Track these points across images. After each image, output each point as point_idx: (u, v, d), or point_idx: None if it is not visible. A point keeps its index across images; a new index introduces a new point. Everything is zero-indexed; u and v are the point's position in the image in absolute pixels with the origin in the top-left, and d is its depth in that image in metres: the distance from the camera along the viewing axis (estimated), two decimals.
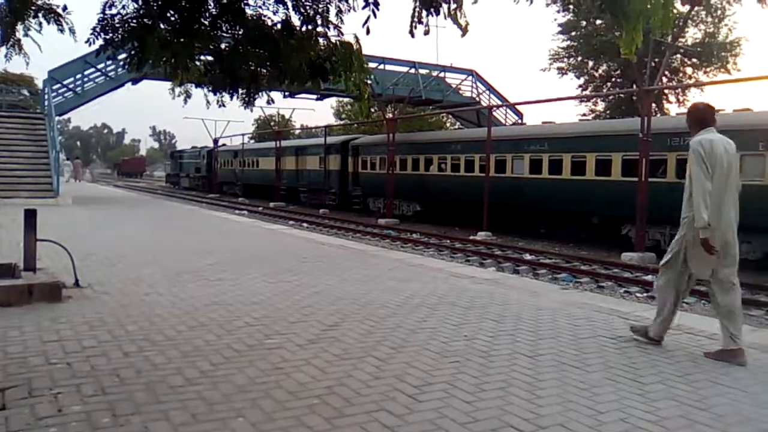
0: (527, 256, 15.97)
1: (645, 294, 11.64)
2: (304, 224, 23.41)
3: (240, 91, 5.10)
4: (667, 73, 31.01)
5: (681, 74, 33.99)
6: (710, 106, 5.36)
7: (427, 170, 25.23)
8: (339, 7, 4.49)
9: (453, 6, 4.06)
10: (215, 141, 48.18)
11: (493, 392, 3.77)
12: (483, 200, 20.18)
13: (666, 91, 33.20)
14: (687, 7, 29.70)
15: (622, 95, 32.53)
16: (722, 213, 4.84)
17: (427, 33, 4.25)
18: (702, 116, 5.21)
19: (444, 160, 24.25)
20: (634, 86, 21.54)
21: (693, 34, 33.15)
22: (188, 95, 5.46)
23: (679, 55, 32.70)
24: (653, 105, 22.35)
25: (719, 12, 32.26)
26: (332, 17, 4.47)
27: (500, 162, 21.00)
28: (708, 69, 33.13)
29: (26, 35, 4.95)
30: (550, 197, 19.06)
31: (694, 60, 33.15)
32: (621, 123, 20.71)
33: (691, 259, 4.93)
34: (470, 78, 33.83)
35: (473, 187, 21.67)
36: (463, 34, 4.26)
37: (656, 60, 21.57)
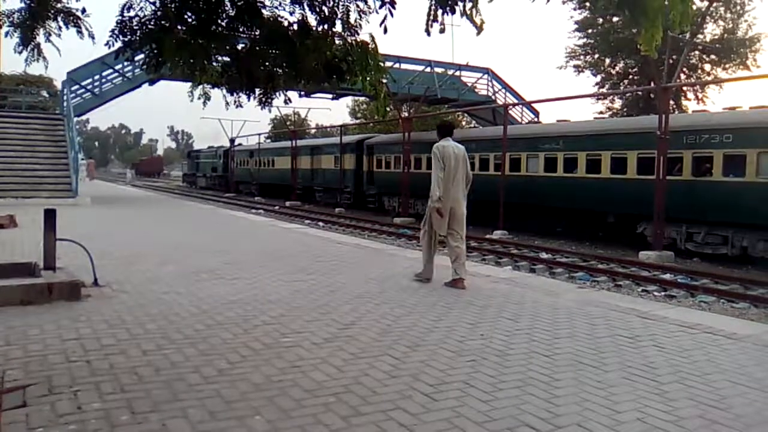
0: (544, 255, 15.90)
1: (663, 293, 11.54)
2: (320, 223, 23.46)
3: (257, 91, 5.13)
4: (685, 69, 30.73)
5: (699, 71, 33.65)
6: (451, 123, 8.31)
7: None
8: (350, 8, 4.49)
9: (469, 4, 4.05)
10: (232, 141, 48.42)
11: (510, 391, 3.77)
12: (497, 198, 20.20)
13: (684, 88, 32.88)
14: (706, 3, 29.44)
15: (639, 93, 32.26)
16: (450, 192, 7.28)
17: (442, 31, 4.23)
18: (444, 129, 7.85)
19: None
20: (652, 83, 21.33)
21: (712, 30, 32.83)
22: (207, 97, 5.49)
23: (697, 52, 32.35)
24: (671, 102, 22.15)
25: (738, 8, 31.89)
26: (351, 19, 4.47)
27: (515, 160, 20.92)
28: (727, 65, 32.76)
29: (48, 41, 5.00)
30: (565, 195, 19.00)
31: (713, 56, 32.79)
32: (636, 121, 20.67)
33: (433, 222, 7.37)
34: (486, 76, 33.69)
35: (488, 185, 21.62)
36: (479, 33, 4.24)
37: (674, 57, 21.38)
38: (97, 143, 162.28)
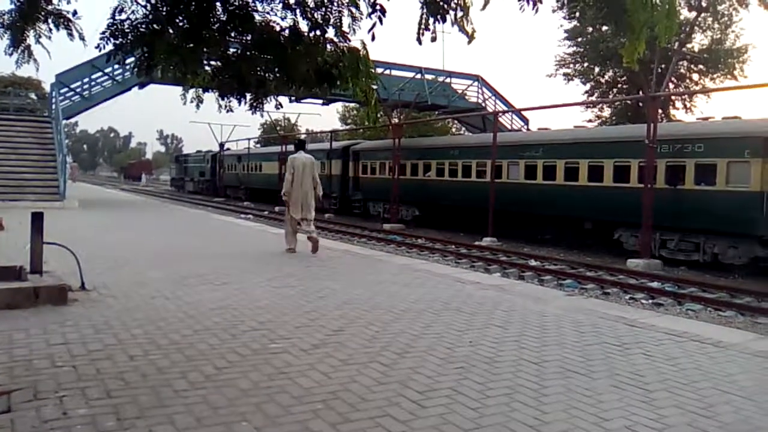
0: (532, 262, 15.94)
1: (651, 301, 11.60)
2: None
3: (247, 96, 5.12)
4: (673, 79, 30.98)
5: (688, 80, 33.94)
6: (303, 140, 11.81)
7: (426, 175, 25.42)
8: (342, 14, 4.49)
9: (460, 13, 4.07)
10: (221, 145, 48.29)
11: (498, 399, 3.77)
12: (480, 205, 20.61)
13: (672, 97, 33.15)
14: (694, 14, 29.74)
15: (628, 101, 32.47)
16: (300, 190, 10.41)
17: (434, 40, 4.26)
18: (297, 145, 11.22)
19: (442, 166, 24.44)
20: (641, 92, 21.50)
21: (700, 41, 33.13)
22: (200, 101, 5.47)
23: (685, 62, 32.66)
24: (660, 111, 22.33)
25: (726, 18, 32.20)
26: (343, 26, 4.47)
27: (496, 167, 21.13)
28: (715, 75, 33.06)
29: (38, 42, 4.97)
30: (544, 202, 19.31)
31: (701, 66, 33.08)
32: (615, 130, 21.23)
33: (291, 209, 10.51)
34: (476, 83, 33.82)
35: (471, 192, 22.00)
36: (470, 41, 4.27)
37: (663, 66, 21.56)
38: (85, 146, 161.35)
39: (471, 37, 4.23)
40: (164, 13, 4.39)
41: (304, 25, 4.59)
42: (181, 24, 4.43)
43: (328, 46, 4.65)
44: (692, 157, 15.43)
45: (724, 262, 14.91)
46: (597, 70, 36.04)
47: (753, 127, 14.78)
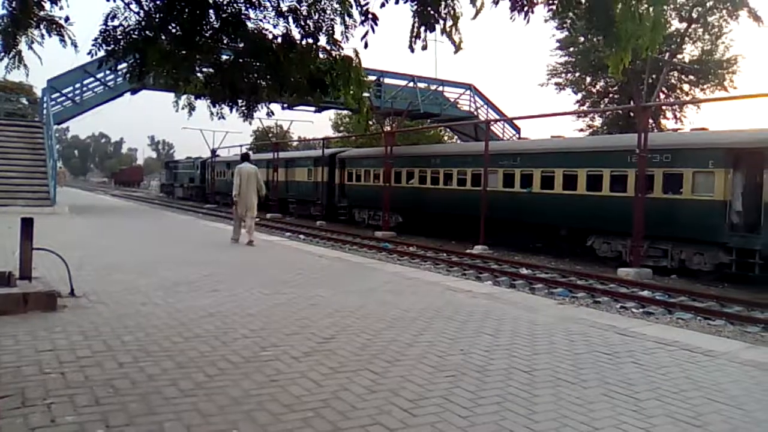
0: (524, 271, 15.96)
1: (641, 309, 11.63)
2: (301, 236, 23.38)
3: (239, 103, 5.12)
4: (664, 89, 31.17)
5: (678, 91, 34.17)
6: (247, 153, 15.20)
7: (409, 183, 25.59)
8: (334, 22, 4.51)
9: (450, 23, 4.12)
10: (213, 152, 48.22)
11: (489, 407, 3.77)
12: (462, 212, 21.23)
13: (663, 107, 33.35)
14: (684, 25, 29.99)
15: (619, 111, 32.66)
16: (246, 194, 12.97)
17: (425, 48, 4.30)
18: (243, 157, 14.10)
19: (424, 174, 24.65)
20: (632, 102, 21.65)
21: (690, 52, 33.39)
22: (192, 108, 5.47)
23: (676, 72, 32.89)
24: (651, 121, 22.47)
25: (716, 30, 32.48)
26: (336, 34, 4.50)
27: (476, 176, 21.50)
28: (705, 86, 33.33)
29: (30, 48, 4.96)
30: (522, 210, 19.64)
31: (691, 77, 33.33)
32: (588, 140, 21.94)
33: (237, 208, 12.99)
34: (468, 92, 33.94)
35: (453, 199, 22.34)
36: (456, 51, 4.33)
37: (654, 76, 21.70)
38: (76, 152, 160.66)
39: (458, 47, 4.28)
40: (157, 20, 4.39)
41: (296, 33, 4.61)
42: (173, 31, 4.44)
43: (321, 54, 4.67)
44: (660, 166, 15.89)
45: (691, 268, 15.38)
46: (588, 79, 36.24)
47: (717, 139, 15.34)
